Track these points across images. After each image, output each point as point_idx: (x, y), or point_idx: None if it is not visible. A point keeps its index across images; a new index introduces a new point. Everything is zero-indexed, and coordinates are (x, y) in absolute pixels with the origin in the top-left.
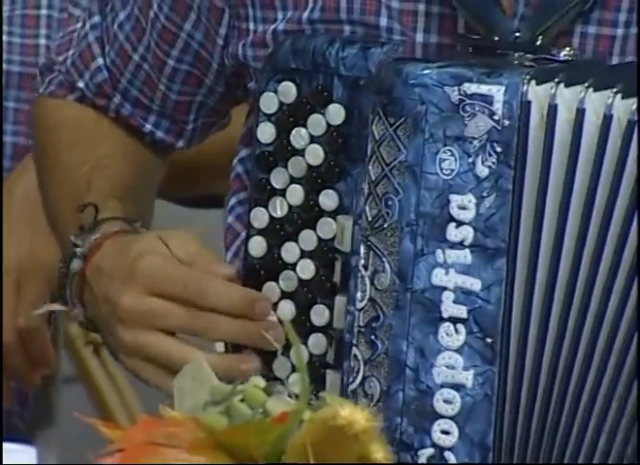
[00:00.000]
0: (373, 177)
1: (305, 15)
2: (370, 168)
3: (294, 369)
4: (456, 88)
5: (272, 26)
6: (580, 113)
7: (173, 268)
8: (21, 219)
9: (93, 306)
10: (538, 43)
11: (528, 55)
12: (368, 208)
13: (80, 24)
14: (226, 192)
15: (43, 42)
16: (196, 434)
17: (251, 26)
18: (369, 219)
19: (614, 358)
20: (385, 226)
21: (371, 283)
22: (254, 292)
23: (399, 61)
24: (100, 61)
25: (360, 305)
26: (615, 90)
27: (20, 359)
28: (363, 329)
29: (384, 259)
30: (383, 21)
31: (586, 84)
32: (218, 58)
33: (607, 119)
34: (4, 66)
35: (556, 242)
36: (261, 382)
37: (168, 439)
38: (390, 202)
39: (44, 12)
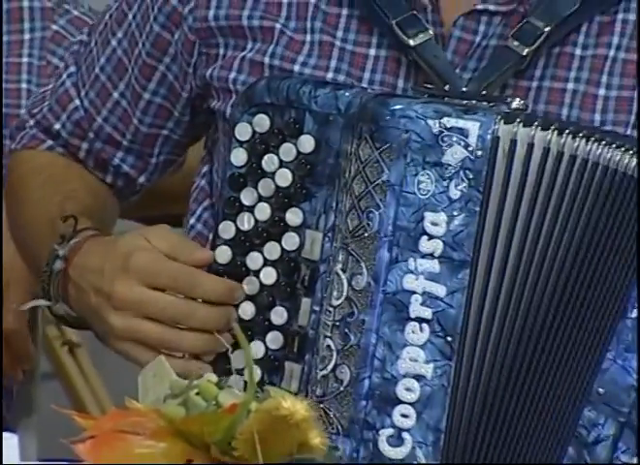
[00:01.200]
0: (357, 193)
1: (271, 48)
2: (355, 185)
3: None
4: (437, 121)
5: (242, 54)
6: (529, 148)
7: (163, 263)
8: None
9: (79, 300)
10: (484, 93)
11: (484, 103)
12: (349, 220)
13: (54, 79)
14: (183, 212)
15: (24, 86)
16: (158, 423)
17: (221, 52)
18: (351, 229)
19: (550, 357)
20: (365, 235)
21: (349, 284)
22: (233, 282)
23: (385, 96)
24: (77, 102)
25: (336, 303)
26: (553, 127)
27: (5, 357)
28: (338, 323)
29: (362, 263)
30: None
31: (536, 123)
32: (188, 86)
33: (544, 151)
34: None
35: (503, 259)
36: (214, 377)
37: (133, 427)
38: (371, 215)
39: (25, 59)
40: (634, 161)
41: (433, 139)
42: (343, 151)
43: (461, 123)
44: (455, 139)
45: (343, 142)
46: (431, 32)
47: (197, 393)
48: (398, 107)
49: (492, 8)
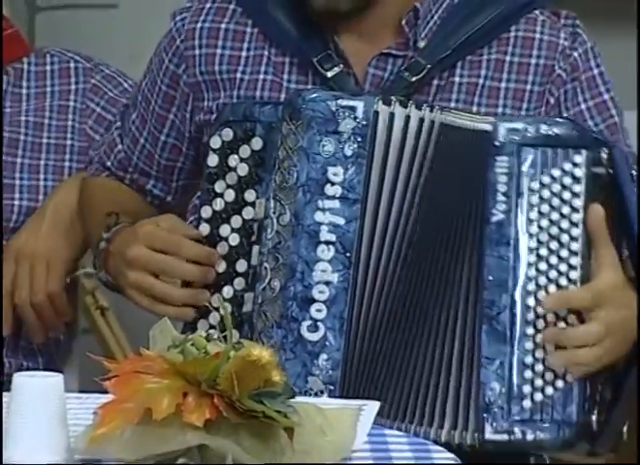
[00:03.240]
0: (281, 157)
1: (235, 93)
2: (280, 152)
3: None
4: (334, 102)
5: (217, 101)
6: (399, 117)
7: (159, 232)
8: (48, 223)
9: (114, 267)
10: None
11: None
12: (277, 176)
13: (111, 131)
14: None
15: (70, 123)
16: (163, 366)
17: (205, 103)
18: (278, 182)
19: (433, 260)
20: (287, 185)
21: (277, 222)
22: (210, 248)
23: (300, 90)
24: (120, 147)
25: (269, 236)
26: (420, 106)
27: (49, 312)
28: (271, 250)
29: (286, 206)
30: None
31: (410, 102)
32: (188, 128)
33: (408, 119)
34: None
35: (390, 196)
36: (203, 333)
37: (145, 369)
38: (291, 171)
39: (71, 104)
40: (477, 124)
41: (331, 114)
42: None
43: (351, 103)
44: (347, 113)
45: (278, 133)
46: (341, 66)
47: (191, 344)
48: (306, 95)
49: (393, 52)
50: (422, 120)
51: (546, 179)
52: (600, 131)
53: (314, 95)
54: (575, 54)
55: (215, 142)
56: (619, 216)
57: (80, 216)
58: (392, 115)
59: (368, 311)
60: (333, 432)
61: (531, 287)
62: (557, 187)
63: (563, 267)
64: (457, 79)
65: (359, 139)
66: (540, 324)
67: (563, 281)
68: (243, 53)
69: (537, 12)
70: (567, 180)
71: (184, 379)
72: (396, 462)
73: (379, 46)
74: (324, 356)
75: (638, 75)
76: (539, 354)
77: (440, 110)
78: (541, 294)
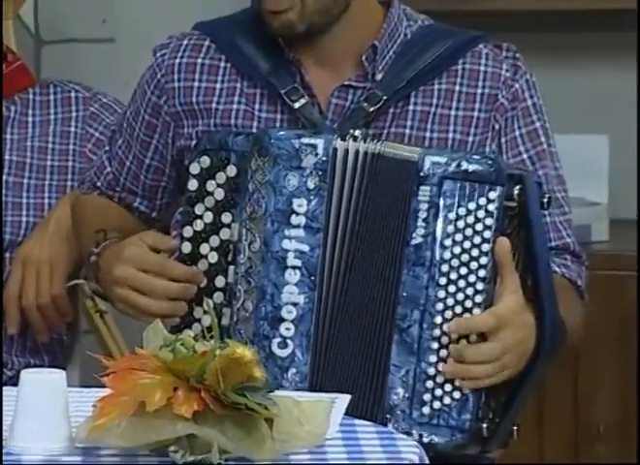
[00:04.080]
0: (250, 190)
1: (212, 121)
2: (250, 185)
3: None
4: (297, 140)
5: (196, 128)
6: (355, 153)
7: (145, 255)
8: (50, 233)
9: (102, 279)
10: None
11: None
12: (247, 208)
13: (100, 155)
14: None
15: (71, 147)
16: (155, 363)
17: (185, 130)
18: (248, 213)
19: (370, 280)
20: (257, 216)
21: (249, 248)
22: (193, 268)
23: (267, 128)
24: (108, 169)
25: (242, 261)
26: (368, 140)
27: (53, 313)
28: (244, 274)
29: (256, 234)
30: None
31: (359, 139)
32: (170, 152)
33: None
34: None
35: (345, 224)
36: (191, 334)
37: (140, 366)
38: (260, 203)
39: (72, 129)
40: (406, 154)
41: (295, 151)
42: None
43: (312, 141)
44: (309, 150)
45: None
46: (306, 97)
47: (181, 344)
48: (273, 133)
49: (354, 84)
50: (366, 153)
51: (462, 211)
52: (530, 156)
53: (280, 133)
54: (517, 85)
55: (195, 169)
56: (526, 245)
57: (73, 230)
58: (346, 151)
59: (329, 328)
60: (308, 422)
61: (440, 306)
62: (471, 219)
63: (470, 291)
64: (411, 108)
65: (320, 174)
66: (445, 340)
67: (469, 303)
68: (218, 85)
69: (482, 45)
70: (481, 214)
71: (175, 375)
72: (365, 449)
73: (341, 78)
74: (293, 370)
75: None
76: (441, 367)
77: (380, 142)
78: (448, 313)
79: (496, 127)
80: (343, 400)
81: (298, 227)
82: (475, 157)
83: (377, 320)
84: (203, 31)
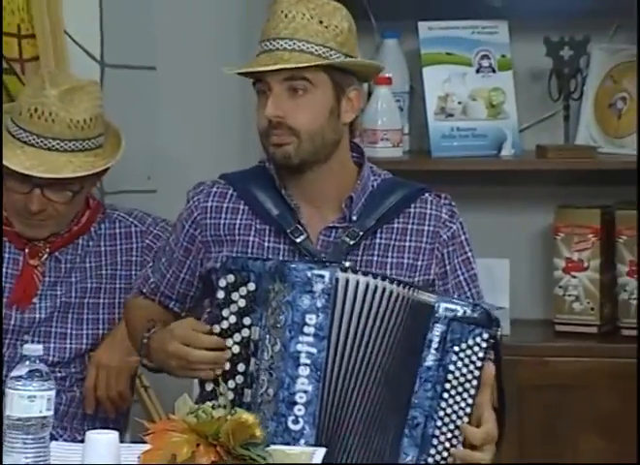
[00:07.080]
0: (274, 306)
1: (234, 249)
2: (272, 302)
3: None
4: (309, 271)
5: (221, 253)
6: (352, 283)
7: (190, 334)
8: (118, 341)
9: (155, 357)
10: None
11: (333, 264)
12: (271, 319)
13: (145, 269)
14: None
15: (134, 273)
16: (183, 426)
17: (213, 254)
18: (272, 323)
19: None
20: (279, 326)
21: (272, 349)
22: (221, 339)
23: (286, 261)
24: (152, 279)
25: (266, 358)
26: (365, 274)
27: (119, 402)
28: (267, 368)
29: (277, 339)
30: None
31: (358, 272)
32: (199, 269)
33: (357, 283)
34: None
35: (346, 334)
36: (210, 405)
37: (172, 428)
38: (280, 317)
39: (133, 258)
40: (425, 298)
41: (308, 279)
42: (269, 289)
43: (321, 272)
44: (318, 279)
45: (268, 285)
46: (304, 235)
47: (202, 412)
48: (291, 265)
49: (336, 225)
50: (357, 282)
51: (463, 345)
52: (466, 278)
53: (296, 265)
54: (454, 226)
55: (222, 283)
56: (497, 367)
57: (125, 321)
58: (347, 280)
59: (331, 411)
60: None
61: (441, 413)
62: (469, 351)
63: (463, 404)
64: (377, 241)
65: (326, 296)
66: (442, 438)
67: (461, 413)
68: (238, 222)
69: (427, 194)
70: (476, 348)
71: (197, 434)
72: None
73: (325, 220)
74: (302, 441)
75: (638, 90)
76: (437, 457)
77: (372, 276)
78: (446, 419)
79: (439, 256)
80: (320, 451)
81: (309, 335)
82: (476, 307)
83: (393, 418)
84: (227, 181)
